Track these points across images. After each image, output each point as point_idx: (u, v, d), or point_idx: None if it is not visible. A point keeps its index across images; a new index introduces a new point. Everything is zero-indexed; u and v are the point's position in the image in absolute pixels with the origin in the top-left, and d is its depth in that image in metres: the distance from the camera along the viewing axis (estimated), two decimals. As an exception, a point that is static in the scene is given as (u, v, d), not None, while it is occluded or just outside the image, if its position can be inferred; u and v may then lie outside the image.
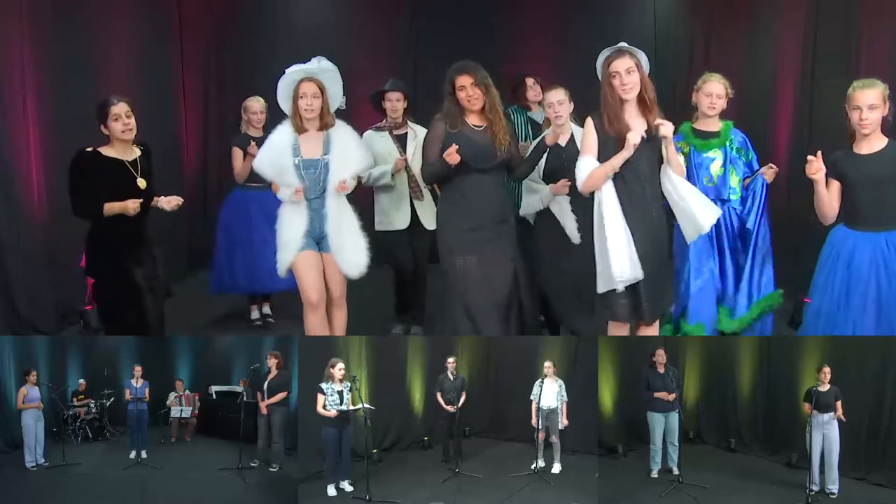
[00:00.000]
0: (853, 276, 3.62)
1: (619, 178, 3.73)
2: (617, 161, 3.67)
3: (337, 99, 4.32)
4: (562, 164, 4.45)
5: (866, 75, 5.61)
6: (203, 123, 7.70)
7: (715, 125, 4.33)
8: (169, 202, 4.12)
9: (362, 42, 7.78)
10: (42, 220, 5.59)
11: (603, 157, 3.73)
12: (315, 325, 4.33)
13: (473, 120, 4.13)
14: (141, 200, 3.96)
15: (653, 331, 3.96)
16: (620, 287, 3.73)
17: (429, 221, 5.11)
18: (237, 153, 5.54)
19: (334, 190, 4.22)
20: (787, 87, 6.82)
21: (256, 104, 5.57)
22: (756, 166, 4.36)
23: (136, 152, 4.10)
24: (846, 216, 3.69)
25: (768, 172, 4.28)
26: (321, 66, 4.23)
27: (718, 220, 4.20)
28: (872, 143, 3.59)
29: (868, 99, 3.52)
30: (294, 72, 4.21)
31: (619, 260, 3.69)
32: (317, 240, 4.31)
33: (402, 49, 8.07)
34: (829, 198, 3.65)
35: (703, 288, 4.35)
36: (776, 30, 7.01)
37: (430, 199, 5.12)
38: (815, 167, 3.58)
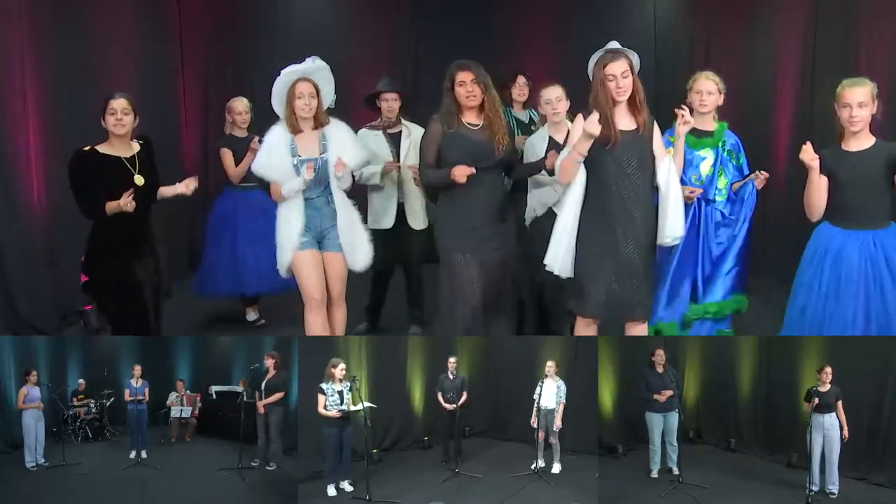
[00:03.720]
0: (843, 275, 3.63)
1: (605, 177, 3.75)
2: (581, 146, 3.67)
3: (329, 97, 4.32)
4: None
5: (866, 75, 5.63)
6: (203, 123, 7.69)
7: (710, 124, 4.35)
8: (187, 185, 4.16)
9: (362, 42, 7.78)
10: (42, 220, 5.59)
11: (589, 156, 3.73)
12: (317, 324, 4.30)
13: (470, 118, 4.13)
14: (132, 193, 3.90)
15: (640, 330, 3.93)
16: (554, 271, 3.85)
17: (416, 222, 5.09)
18: (226, 154, 5.55)
19: (333, 168, 4.19)
20: (786, 87, 6.82)
21: (240, 104, 5.57)
22: (746, 171, 4.36)
23: (135, 148, 4.10)
24: (832, 213, 3.70)
25: (759, 178, 4.28)
26: (316, 66, 4.23)
27: (701, 222, 4.29)
28: (861, 141, 3.61)
29: (857, 97, 3.55)
30: (290, 72, 4.20)
31: (554, 250, 3.83)
32: (318, 238, 4.30)
33: (401, 49, 8.07)
34: (821, 191, 3.66)
35: (683, 293, 4.37)
36: (776, 30, 7.00)
37: (419, 200, 5.08)
38: (811, 154, 3.61)
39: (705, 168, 4.29)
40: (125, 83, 6.20)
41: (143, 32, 6.74)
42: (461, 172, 3.98)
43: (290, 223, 4.25)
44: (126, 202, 3.85)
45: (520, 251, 4.39)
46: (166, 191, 4.18)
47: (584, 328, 3.94)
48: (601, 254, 3.77)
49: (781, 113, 6.83)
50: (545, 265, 3.90)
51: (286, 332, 4.92)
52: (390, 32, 8.08)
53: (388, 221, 5.14)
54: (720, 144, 4.31)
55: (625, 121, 3.77)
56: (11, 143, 5.34)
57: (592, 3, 7.94)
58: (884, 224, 3.62)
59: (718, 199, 4.34)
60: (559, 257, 3.84)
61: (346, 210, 4.30)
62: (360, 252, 4.34)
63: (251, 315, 5.88)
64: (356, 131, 5.10)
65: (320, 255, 4.30)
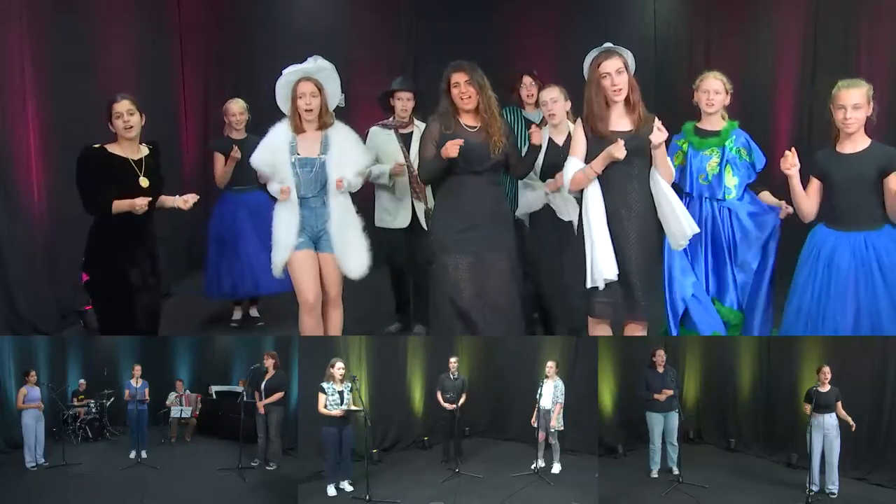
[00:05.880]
0: (833, 276, 3.66)
1: (606, 177, 3.75)
2: (597, 166, 3.71)
3: (336, 97, 4.30)
4: (559, 161, 4.43)
5: (866, 74, 5.63)
6: (203, 123, 7.70)
7: (717, 124, 4.31)
8: (186, 201, 4.13)
9: (363, 41, 7.79)
10: (42, 219, 5.59)
11: (591, 157, 3.74)
12: (310, 326, 4.30)
13: (468, 120, 4.12)
14: (149, 199, 3.95)
15: (640, 331, 3.90)
16: (601, 284, 3.74)
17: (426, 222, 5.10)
18: (218, 157, 5.59)
19: (334, 188, 4.20)
20: (786, 86, 6.83)
21: (235, 106, 5.57)
22: (759, 167, 4.30)
23: (144, 151, 4.11)
24: (826, 215, 3.73)
25: (784, 210, 4.17)
26: (318, 65, 4.22)
27: (714, 220, 4.24)
28: (856, 143, 3.62)
29: (852, 98, 3.55)
30: (291, 72, 4.20)
31: (599, 260, 3.71)
32: (314, 238, 4.28)
33: (402, 47, 8.07)
34: (805, 195, 3.71)
35: (697, 295, 4.32)
36: (776, 29, 7.02)
37: (430, 201, 5.09)
38: (790, 162, 3.65)
39: (711, 167, 4.27)
40: (125, 83, 6.19)
41: (143, 32, 6.74)
42: (451, 146, 3.96)
43: (285, 223, 4.23)
44: (141, 203, 3.90)
45: (520, 253, 4.37)
46: (167, 200, 4.16)
47: (596, 328, 3.91)
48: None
49: (782, 112, 6.84)
50: (591, 286, 3.77)
51: (283, 332, 4.90)
52: (390, 32, 8.08)
53: (402, 221, 5.14)
54: (727, 143, 4.28)
55: (622, 122, 3.77)
56: (11, 144, 5.34)
57: (593, 3, 7.94)
58: (877, 225, 3.63)
59: (728, 196, 4.29)
60: (606, 268, 3.71)
61: (341, 215, 4.26)
62: (352, 259, 4.26)
63: (236, 314, 5.92)
64: (363, 130, 5.12)
65: (316, 255, 4.29)
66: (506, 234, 4.24)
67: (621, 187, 3.74)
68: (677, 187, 4.34)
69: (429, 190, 5.03)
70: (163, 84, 7.07)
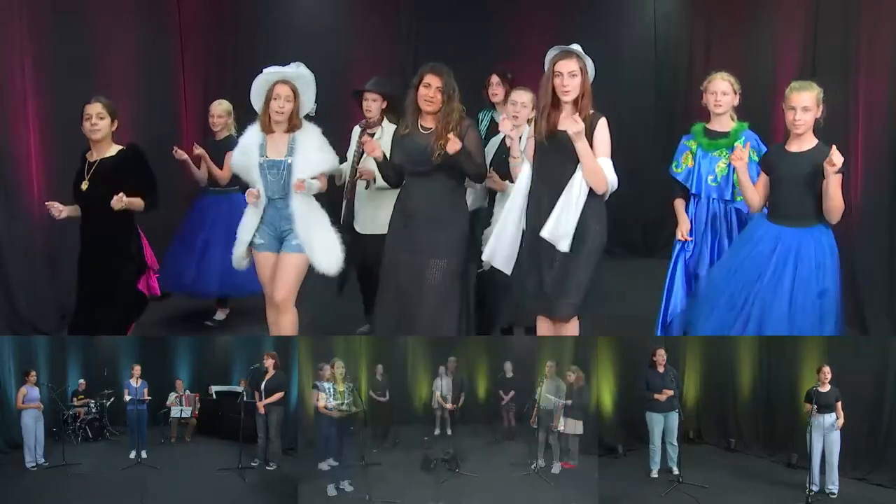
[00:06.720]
0: (751, 258, 3.77)
1: (544, 173, 3.81)
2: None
3: (308, 104, 4.30)
4: (503, 163, 4.39)
5: (866, 75, 5.63)
6: (203, 123, 7.68)
7: (726, 125, 4.31)
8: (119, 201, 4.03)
9: (363, 41, 7.77)
10: (42, 220, 5.58)
11: (539, 154, 3.83)
12: (271, 322, 4.33)
13: (426, 122, 4.11)
14: (60, 209, 4.11)
15: (571, 329, 3.85)
16: (486, 265, 3.90)
17: (360, 224, 4.99)
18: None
19: (293, 186, 4.13)
20: (786, 86, 6.81)
21: (216, 108, 5.57)
22: None
23: (108, 153, 4.12)
24: (769, 207, 3.86)
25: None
26: (299, 72, 4.22)
27: (722, 221, 4.25)
28: (802, 143, 3.74)
29: (802, 101, 3.68)
30: (271, 73, 4.20)
31: (489, 246, 3.92)
32: (278, 238, 4.22)
33: (402, 47, 8.06)
34: (751, 187, 3.88)
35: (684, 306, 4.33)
36: (776, 29, 7.01)
37: (363, 203, 4.96)
38: (737, 154, 3.83)
39: (720, 168, 4.26)
40: (125, 83, 6.21)
41: (143, 32, 6.73)
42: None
43: (247, 220, 4.25)
44: (54, 209, 4.09)
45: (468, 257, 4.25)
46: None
47: (541, 326, 3.93)
48: (530, 250, 3.83)
49: (781, 113, 6.83)
50: (482, 261, 3.91)
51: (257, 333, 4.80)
52: (390, 32, 8.08)
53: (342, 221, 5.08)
54: (736, 144, 4.26)
55: (567, 123, 3.77)
56: (11, 144, 5.34)
57: (593, 3, 7.94)
58: (808, 223, 3.70)
59: (738, 198, 4.28)
60: (499, 250, 3.85)
61: (305, 212, 4.17)
62: (321, 255, 4.18)
63: (219, 315, 5.84)
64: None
65: (276, 256, 4.24)
66: (451, 237, 4.10)
67: (548, 186, 3.78)
68: (685, 188, 4.36)
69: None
70: (163, 84, 7.06)
